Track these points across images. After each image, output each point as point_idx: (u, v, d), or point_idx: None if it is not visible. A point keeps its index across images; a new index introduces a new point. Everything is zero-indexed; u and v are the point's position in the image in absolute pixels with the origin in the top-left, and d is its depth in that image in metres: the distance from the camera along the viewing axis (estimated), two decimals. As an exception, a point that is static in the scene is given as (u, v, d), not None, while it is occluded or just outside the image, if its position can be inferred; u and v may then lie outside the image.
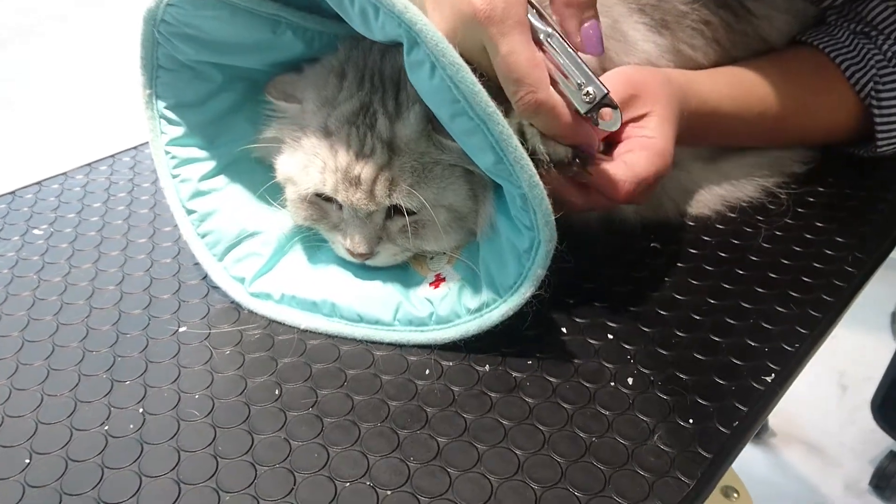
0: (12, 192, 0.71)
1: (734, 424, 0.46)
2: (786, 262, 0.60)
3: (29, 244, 0.64)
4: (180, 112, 0.56)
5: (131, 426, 0.47)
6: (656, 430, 0.45)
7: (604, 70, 0.55)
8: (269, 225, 0.58)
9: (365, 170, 0.50)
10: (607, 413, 0.47)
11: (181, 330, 0.54)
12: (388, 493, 0.42)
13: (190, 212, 0.57)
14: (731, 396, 0.48)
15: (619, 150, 0.53)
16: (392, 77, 0.51)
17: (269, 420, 0.47)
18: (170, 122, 0.56)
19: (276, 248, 0.58)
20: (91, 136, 2.24)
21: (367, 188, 0.50)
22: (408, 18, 0.40)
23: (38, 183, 0.73)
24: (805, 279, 0.58)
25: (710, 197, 0.64)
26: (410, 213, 0.51)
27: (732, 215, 0.65)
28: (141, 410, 0.48)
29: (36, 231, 0.66)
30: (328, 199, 0.53)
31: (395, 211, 0.52)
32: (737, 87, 0.61)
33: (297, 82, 0.53)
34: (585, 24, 0.46)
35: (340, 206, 0.53)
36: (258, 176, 0.57)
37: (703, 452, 0.44)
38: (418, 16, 0.40)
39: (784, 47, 0.67)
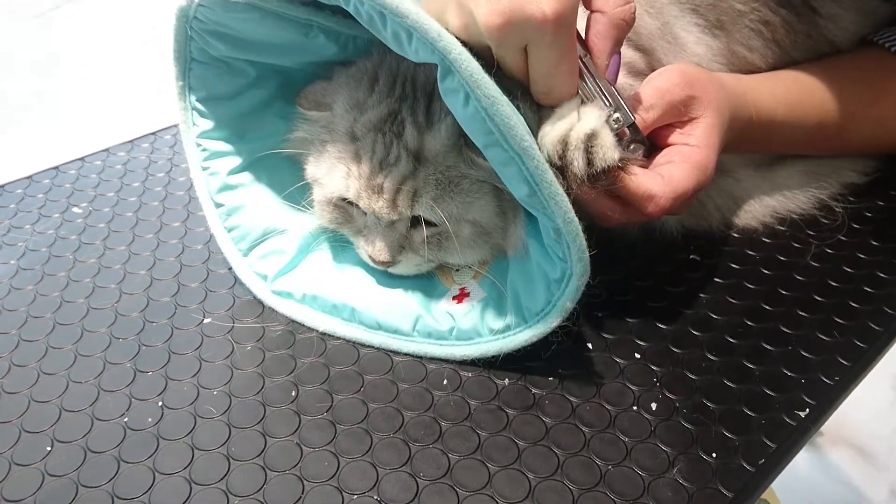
0: (56, 168, 0.73)
1: (759, 462, 0.44)
2: (834, 283, 0.56)
3: (68, 222, 0.65)
4: (212, 105, 0.56)
5: (150, 419, 0.47)
6: (676, 462, 0.44)
7: (652, 69, 0.53)
8: (295, 223, 0.57)
9: (388, 179, 0.48)
10: (626, 440, 0.45)
11: (206, 321, 0.55)
12: (394, 509, 0.42)
13: (218, 205, 0.57)
14: (760, 431, 0.45)
15: (659, 159, 0.50)
16: (425, 86, 0.49)
17: (283, 423, 0.47)
18: (201, 114, 0.56)
19: (300, 246, 0.57)
20: (135, 111, 2.28)
21: (390, 197, 0.49)
22: (442, 47, 0.39)
23: (81, 159, 0.74)
24: (853, 304, 0.54)
25: (760, 208, 0.61)
26: (433, 224, 0.50)
27: (781, 228, 0.61)
28: (160, 404, 0.49)
29: (76, 209, 0.67)
30: (353, 204, 0.52)
31: (419, 221, 0.51)
32: (794, 94, 0.57)
33: (328, 89, 0.53)
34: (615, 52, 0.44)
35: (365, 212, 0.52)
36: (287, 173, 0.56)
37: (723, 491, 0.42)
38: (453, 44, 0.39)
39: (851, 49, 0.62)
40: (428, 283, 0.55)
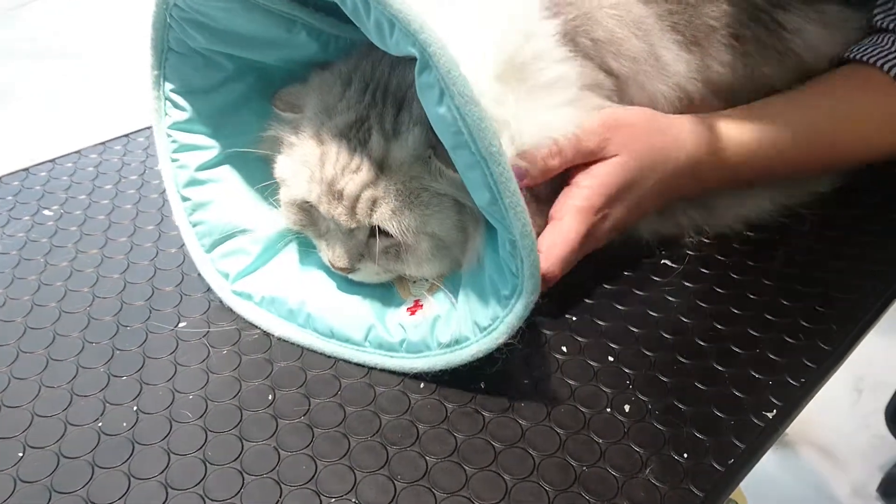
0: (26, 170, 0.72)
1: (729, 462, 0.45)
2: (801, 288, 0.58)
3: (39, 225, 0.65)
4: (187, 97, 0.55)
5: (124, 424, 0.47)
6: (649, 462, 0.45)
7: (631, 102, 0.55)
8: (261, 223, 0.57)
9: (349, 185, 0.48)
10: (601, 441, 0.46)
11: (181, 325, 0.55)
12: (372, 512, 0.42)
13: (185, 199, 0.56)
14: (730, 432, 0.47)
15: (553, 209, 0.52)
16: (396, 94, 0.49)
17: (260, 427, 0.47)
18: (175, 105, 0.55)
19: (265, 247, 0.57)
20: (107, 113, 2.25)
21: (349, 205, 0.49)
22: (422, 39, 0.38)
23: (52, 160, 0.73)
24: (819, 308, 0.56)
25: (731, 215, 0.62)
26: (391, 236, 0.49)
27: (751, 234, 0.63)
28: (135, 408, 0.48)
29: (46, 212, 0.66)
30: (316, 207, 0.52)
31: (379, 231, 0.50)
32: (766, 127, 0.58)
33: (302, 91, 0.52)
34: None
35: None
36: (258, 173, 0.56)
37: (694, 490, 0.43)
38: (433, 37, 0.38)
39: (826, 69, 0.63)
40: (386, 292, 0.54)
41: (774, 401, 0.49)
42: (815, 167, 0.62)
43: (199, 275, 0.57)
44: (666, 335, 0.54)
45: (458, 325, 0.48)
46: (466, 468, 0.44)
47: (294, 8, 0.50)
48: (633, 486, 0.43)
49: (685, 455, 0.45)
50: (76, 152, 0.74)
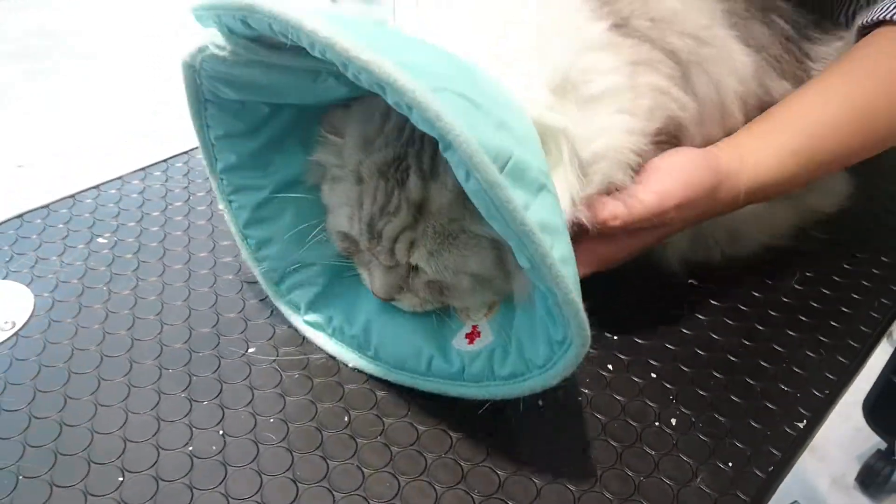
0: (73, 196, 0.74)
1: (769, 469, 0.50)
2: (815, 304, 0.64)
3: (95, 253, 0.67)
4: (231, 141, 0.56)
5: (213, 447, 0.50)
6: (699, 472, 0.50)
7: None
8: (320, 253, 0.59)
9: (387, 228, 0.49)
10: (653, 453, 0.51)
11: (250, 351, 0.58)
12: (457, 525, 0.46)
13: (246, 237, 0.59)
14: (766, 441, 0.52)
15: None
16: None
17: (341, 446, 0.51)
18: (223, 150, 0.56)
19: (329, 276, 0.60)
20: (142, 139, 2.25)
21: (388, 245, 0.50)
22: (440, 127, 0.37)
23: (97, 187, 0.75)
24: (833, 323, 0.62)
25: (752, 238, 0.66)
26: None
27: (766, 255, 0.68)
28: (221, 432, 0.52)
29: (100, 240, 0.69)
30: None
31: (419, 267, 0.51)
32: (819, 134, 0.57)
33: (344, 116, 0.53)
34: None
35: None
36: (312, 202, 0.57)
37: (741, 496, 0.48)
38: (452, 124, 0.37)
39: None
40: (445, 317, 0.56)
41: (803, 411, 0.54)
42: (865, 153, 0.60)
43: (261, 300, 0.61)
44: (700, 351, 0.59)
45: (514, 360, 0.50)
46: (536, 481, 0.49)
47: (316, 61, 0.47)
48: (687, 494, 0.48)
49: (730, 464, 0.50)
50: (119, 178, 0.77)
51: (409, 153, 0.49)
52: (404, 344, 0.55)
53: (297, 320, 0.59)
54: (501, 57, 0.48)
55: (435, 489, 0.48)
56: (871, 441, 1.60)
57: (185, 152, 0.81)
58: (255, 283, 0.61)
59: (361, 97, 0.52)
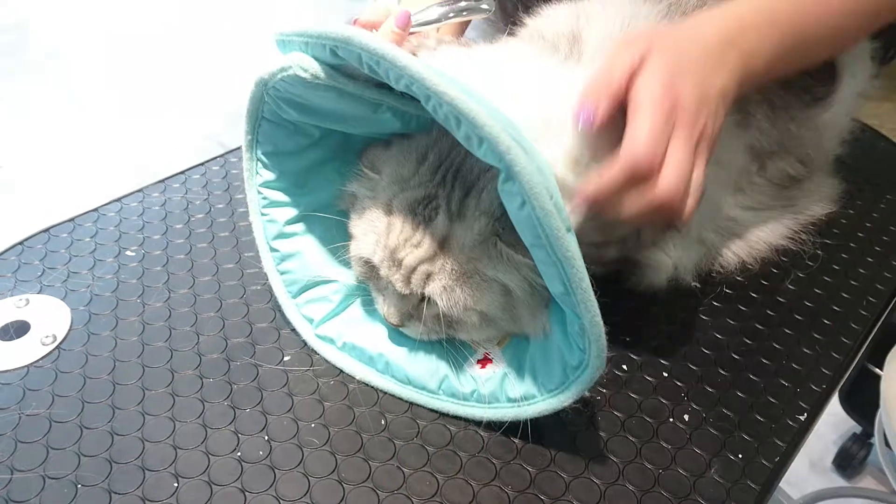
0: (96, 210, 0.76)
1: (775, 459, 0.55)
2: (808, 304, 0.68)
3: (125, 266, 0.69)
4: (277, 159, 0.61)
5: (261, 452, 0.54)
6: (712, 464, 0.54)
7: None
8: (342, 274, 0.63)
9: (408, 257, 0.53)
10: (669, 447, 0.55)
11: (286, 359, 0.61)
12: (496, 519, 0.50)
13: (273, 250, 0.62)
14: (772, 434, 0.56)
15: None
16: (466, 178, 0.53)
17: (381, 448, 0.54)
18: (266, 166, 0.60)
19: (344, 296, 0.63)
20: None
21: (406, 274, 0.53)
22: (509, 159, 0.43)
23: (119, 200, 0.77)
24: (826, 321, 0.67)
25: (760, 241, 0.71)
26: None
27: (762, 257, 0.73)
28: (266, 438, 0.55)
29: (128, 252, 0.71)
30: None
31: (429, 299, 0.54)
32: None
33: (382, 155, 0.57)
34: None
35: None
36: (340, 226, 0.61)
37: (751, 484, 0.53)
38: (519, 157, 0.42)
39: None
40: (455, 343, 0.59)
41: (803, 405, 0.59)
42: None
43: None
44: (706, 351, 0.63)
45: (525, 383, 0.54)
46: (564, 476, 0.53)
47: (383, 95, 0.54)
48: (703, 484, 0.53)
49: (740, 455, 0.55)
50: (139, 191, 0.79)
51: (440, 194, 0.53)
52: (420, 363, 0.59)
53: (309, 333, 0.62)
54: (536, 118, 0.52)
55: (472, 486, 0.52)
56: (847, 425, 1.68)
57: (202, 164, 0.83)
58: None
59: (401, 139, 0.57)
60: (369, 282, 0.60)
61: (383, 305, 0.58)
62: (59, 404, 0.57)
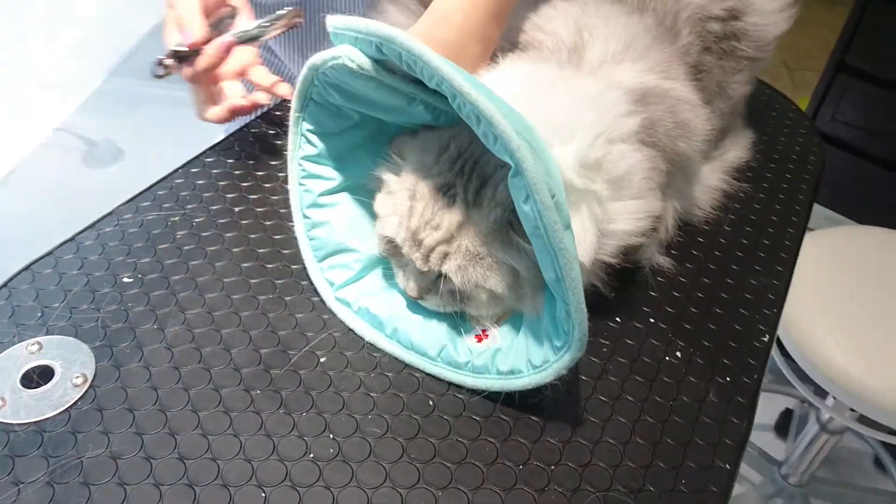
0: (72, 240, 0.74)
1: (754, 377, 0.67)
2: (745, 241, 0.81)
3: (126, 293, 0.69)
4: (319, 136, 0.67)
5: (331, 451, 0.58)
6: (708, 388, 0.65)
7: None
8: (364, 246, 0.70)
9: (427, 239, 0.60)
10: (672, 381, 0.65)
11: (322, 360, 0.65)
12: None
13: (306, 217, 0.69)
14: (746, 356, 0.68)
15: None
16: (483, 170, 0.59)
17: (438, 426, 0.60)
18: (309, 142, 0.67)
19: (364, 265, 0.70)
20: None
21: (425, 253, 0.60)
22: (519, 156, 0.49)
23: (93, 226, 0.75)
24: (760, 254, 0.79)
25: (703, 196, 0.82)
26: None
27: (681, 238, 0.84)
28: (331, 436, 0.59)
29: (125, 279, 0.70)
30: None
31: (445, 276, 0.61)
32: None
33: (409, 143, 0.64)
34: None
35: None
36: (367, 203, 0.68)
37: (741, 399, 0.64)
38: (527, 156, 0.49)
39: None
40: (455, 317, 0.67)
41: (762, 328, 0.71)
42: None
43: (310, 313, 0.68)
44: (677, 294, 0.74)
45: (514, 359, 0.60)
46: (595, 420, 0.62)
47: (416, 89, 0.61)
48: (706, 407, 0.64)
49: (727, 378, 0.66)
50: (111, 214, 0.77)
51: (458, 183, 0.60)
52: (424, 332, 0.66)
53: (329, 295, 0.69)
54: (549, 123, 0.58)
55: (547, 471, 0.59)
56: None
57: (168, 177, 0.82)
58: (295, 294, 0.70)
59: (427, 130, 0.63)
60: (391, 258, 0.66)
61: (404, 280, 0.65)
62: (116, 442, 0.58)
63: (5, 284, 0.69)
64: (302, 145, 0.67)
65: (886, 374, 1.29)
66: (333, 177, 0.69)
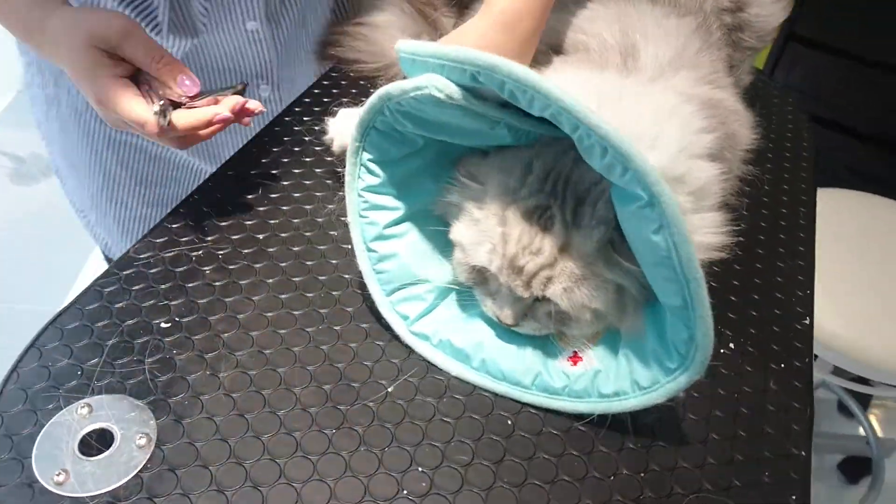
0: (91, 287, 0.69)
1: (806, 360, 0.69)
2: (763, 224, 0.83)
3: (165, 340, 0.65)
4: (381, 165, 0.63)
5: (423, 484, 0.57)
6: (767, 369, 0.67)
7: None
8: (435, 274, 0.67)
9: (529, 264, 0.57)
10: (733, 374, 0.67)
11: (390, 390, 0.63)
12: (646, 474, 0.59)
13: (371, 250, 0.65)
14: (791, 339, 0.71)
15: None
16: (577, 188, 0.58)
17: (521, 448, 0.60)
18: (369, 171, 0.63)
19: (437, 294, 0.67)
20: None
21: (527, 279, 0.58)
22: (656, 191, 0.47)
23: (112, 272, 0.71)
24: (780, 235, 0.82)
25: None
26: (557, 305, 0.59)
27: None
28: (420, 469, 0.58)
29: (163, 325, 0.66)
30: (488, 271, 0.61)
31: (545, 299, 0.59)
32: None
33: (482, 166, 0.61)
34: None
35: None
36: (434, 229, 0.65)
37: (797, 384, 0.67)
38: (665, 189, 0.47)
39: None
40: (545, 340, 0.65)
41: (801, 310, 0.74)
42: None
43: (370, 342, 0.66)
44: (715, 284, 0.76)
45: (618, 381, 0.59)
46: (560, 434, 0.63)
47: (503, 113, 0.57)
48: (774, 385, 0.65)
49: (782, 365, 0.68)
50: (127, 256, 0.72)
51: (554, 204, 0.58)
52: (515, 360, 0.64)
53: (404, 330, 0.66)
54: (630, 135, 0.57)
55: (575, 485, 0.60)
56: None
57: (171, 215, 0.78)
58: (344, 322, 0.68)
59: (498, 150, 0.60)
60: (477, 287, 0.64)
61: (495, 307, 0.63)
62: (205, 500, 0.55)
63: (33, 344, 0.64)
64: (361, 175, 0.63)
65: (859, 328, 1.37)
66: (397, 206, 0.65)
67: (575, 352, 0.65)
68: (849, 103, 2.00)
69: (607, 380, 0.60)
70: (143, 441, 0.58)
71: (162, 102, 0.68)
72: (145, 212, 1.06)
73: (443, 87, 0.54)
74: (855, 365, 1.41)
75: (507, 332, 0.66)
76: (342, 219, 0.77)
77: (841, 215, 1.53)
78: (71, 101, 0.96)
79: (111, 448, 0.57)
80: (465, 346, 0.64)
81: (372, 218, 0.65)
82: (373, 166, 0.63)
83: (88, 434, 0.58)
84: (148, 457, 0.57)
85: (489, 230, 0.60)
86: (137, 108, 0.67)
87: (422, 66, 0.55)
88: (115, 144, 0.98)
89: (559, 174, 0.59)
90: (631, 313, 0.60)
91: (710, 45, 0.75)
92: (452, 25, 0.96)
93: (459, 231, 0.63)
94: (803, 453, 0.62)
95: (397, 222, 0.66)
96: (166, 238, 0.75)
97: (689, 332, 0.52)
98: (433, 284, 0.67)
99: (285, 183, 0.82)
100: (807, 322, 0.73)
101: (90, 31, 0.68)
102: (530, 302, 0.61)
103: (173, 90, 0.69)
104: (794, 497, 0.59)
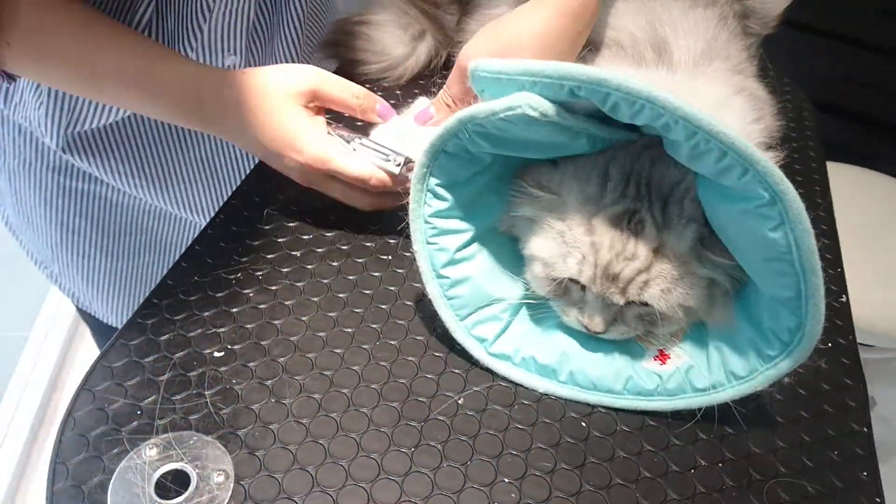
0: (136, 322, 0.66)
1: (852, 346, 0.71)
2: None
3: (221, 370, 0.63)
4: (450, 189, 0.61)
5: (513, 495, 0.57)
6: (821, 357, 0.69)
7: None
8: (508, 292, 0.66)
9: (625, 270, 0.57)
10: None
11: (460, 402, 0.62)
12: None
13: (441, 277, 0.63)
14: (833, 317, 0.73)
15: None
16: (661, 188, 0.58)
17: (600, 448, 0.60)
18: (437, 196, 0.60)
19: (511, 313, 0.66)
20: None
21: (623, 286, 0.58)
22: (781, 189, 0.47)
23: (153, 300, 0.68)
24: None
25: None
26: (648, 305, 0.59)
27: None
28: (507, 480, 0.57)
29: (216, 354, 0.64)
30: (574, 282, 0.61)
31: (636, 301, 0.59)
32: None
33: (554, 175, 0.60)
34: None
35: (583, 288, 0.60)
36: (502, 246, 0.64)
37: (845, 360, 0.69)
38: (789, 188, 0.47)
39: None
40: (628, 343, 0.64)
41: (834, 287, 0.76)
42: None
43: (430, 355, 0.65)
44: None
45: (712, 374, 0.59)
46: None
47: (588, 123, 0.56)
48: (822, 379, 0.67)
49: (829, 344, 0.70)
50: (190, 250, 0.70)
51: (641, 208, 0.58)
52: (603, 367, 0.63)
53: (482, 353, 0.64)
54: None
55: (660, 483, 0.61)
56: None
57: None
58: (399, 336, 0.67)
59: (567, 159, 0.59)
60: (558, 298, 0.63)
61: (584, 317, 0.61)
62: (292, 537, 0.53)
63: (84, 386, 0.61)
64: (428, 201, 0.60)
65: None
66: (465, 228, 0.63)
67: (661, 350, 0.64)
68: (847, 87, 2.04)
69: (701, 373, 0.60)
70: (220, 478, 0.56)
71: (400, 156, 0.69)
72: (112, 265, 0.98)
73: (537, 105, 0.52)
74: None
75: (590, 340, 0.65)
76: (370, 227, 0.76)
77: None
78: (18, 152, 0.87)
79: (189, 488, 0.55)
80: (549, 360, 0.63)
81: (442, 244, 0.62)
82: (440, 190, 0.60)
83: (163, 476, 0.56)
84: (229, 494, 0.55)
85: (576, 241, 0.59)
86: (356, 164, 0.69)
87: (507, 84, 0.53)
88: (72, 194, 0.91)
89: (640, 177, 0.59)
90: (720, 306, 0.60)
91: (734, 34, 0.76)
92: (455, 23, 0.95)
93: (538, 245, 0.61)
94: (865, 429, 0.64)
95: (467, 244, 0.64)
96: (196, 261, 0.72)
97: (798, 321, 0.52)
98: (507, 303, 0.65)
99: (308, 196, 0.80)
100: (843, 299, 0.75)
101: (298, 91, 0.67)
102: (618, 308, 0.60)
103: (374, 120, 0.71)
104: (865, 474, 0.61)
